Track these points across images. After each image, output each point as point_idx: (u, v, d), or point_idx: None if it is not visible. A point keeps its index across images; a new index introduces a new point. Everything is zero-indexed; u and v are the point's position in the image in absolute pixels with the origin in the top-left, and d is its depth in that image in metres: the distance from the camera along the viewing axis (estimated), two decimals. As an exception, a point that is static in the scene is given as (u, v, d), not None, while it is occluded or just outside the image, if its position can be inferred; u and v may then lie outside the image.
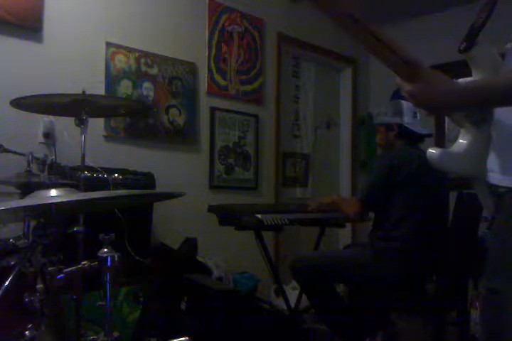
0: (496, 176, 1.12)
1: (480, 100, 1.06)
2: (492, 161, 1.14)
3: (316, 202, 2.76)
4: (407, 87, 1.08)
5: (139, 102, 2.88)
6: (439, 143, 4.21)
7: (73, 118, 2.02)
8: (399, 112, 2.54)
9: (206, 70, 3.46)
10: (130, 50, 3.05)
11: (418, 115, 2.57)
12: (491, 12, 1.12)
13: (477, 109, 1.16)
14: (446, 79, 1.07)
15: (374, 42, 1.04)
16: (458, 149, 1.18)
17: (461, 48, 1.14)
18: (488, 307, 1.14)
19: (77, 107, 1.99)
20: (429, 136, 2.64)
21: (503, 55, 1.17)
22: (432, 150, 1.17)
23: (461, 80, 1.14)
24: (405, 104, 2.54)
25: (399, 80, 1.10)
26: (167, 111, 3.23)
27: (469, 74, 1.19)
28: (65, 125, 2.43)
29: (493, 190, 1.14)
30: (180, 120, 3.29)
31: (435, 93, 1.06)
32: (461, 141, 1.18)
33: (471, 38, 1.13)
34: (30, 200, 1.41)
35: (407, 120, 2.52)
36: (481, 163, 1.15)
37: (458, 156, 1.18)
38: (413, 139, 2.57)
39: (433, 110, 1.14)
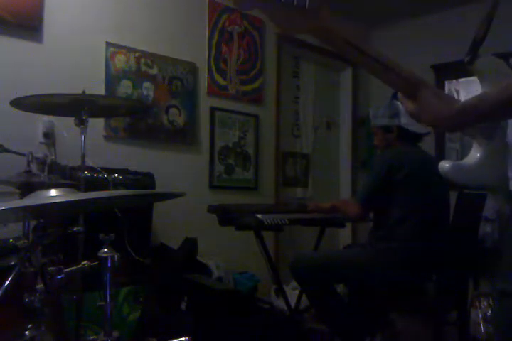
0: None
1: (477, 116, 1.07)
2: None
3: (315, 205, 2.76)
4: (409, 106, 1.13)
5: (139, 102, 2.88)
6: (439, 142, 4.21)
7: (73, 118, 2.03)
8: (396, 113, 2.53)
9: (206, 70, 3.46)
10: (130, 50, 3.05)
11: None
12: (489, 25, 1.14)
13: (479, 124, 1.16)
14: (446, 99, 1.09)
15: (374, 65, 1.07)
16: (470, 161, 1.18)
17: (466, 61, 1.16)
18: (503, 310, 1.14)
19: (77, 107, 1.99)
20: (427, 135, 2.63)
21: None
22: (444, 163, 1.17)
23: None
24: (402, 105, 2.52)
25: (401, 97, 1.13)
26: (167, 111, 3.23)
27: (468, 74, 1.21)
28: (65, 125, 2.43)
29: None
30: (180, 120, 3.29)
31: (435, 115, 1.09)
32: (473, 153, 1.19)
33: (473, 51, 1.15)
34: (30, 200, 1.41)
35: (404, 120, 2.52)
36: (498, 172, 1.15)
37: (470, 168, 1.18)
38: (412, 139, 2.57)
39: (435, 128, 1.17)
